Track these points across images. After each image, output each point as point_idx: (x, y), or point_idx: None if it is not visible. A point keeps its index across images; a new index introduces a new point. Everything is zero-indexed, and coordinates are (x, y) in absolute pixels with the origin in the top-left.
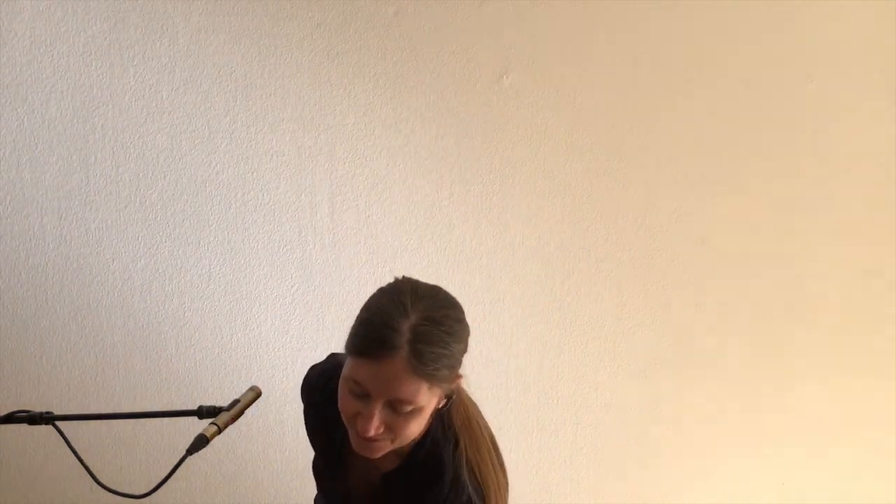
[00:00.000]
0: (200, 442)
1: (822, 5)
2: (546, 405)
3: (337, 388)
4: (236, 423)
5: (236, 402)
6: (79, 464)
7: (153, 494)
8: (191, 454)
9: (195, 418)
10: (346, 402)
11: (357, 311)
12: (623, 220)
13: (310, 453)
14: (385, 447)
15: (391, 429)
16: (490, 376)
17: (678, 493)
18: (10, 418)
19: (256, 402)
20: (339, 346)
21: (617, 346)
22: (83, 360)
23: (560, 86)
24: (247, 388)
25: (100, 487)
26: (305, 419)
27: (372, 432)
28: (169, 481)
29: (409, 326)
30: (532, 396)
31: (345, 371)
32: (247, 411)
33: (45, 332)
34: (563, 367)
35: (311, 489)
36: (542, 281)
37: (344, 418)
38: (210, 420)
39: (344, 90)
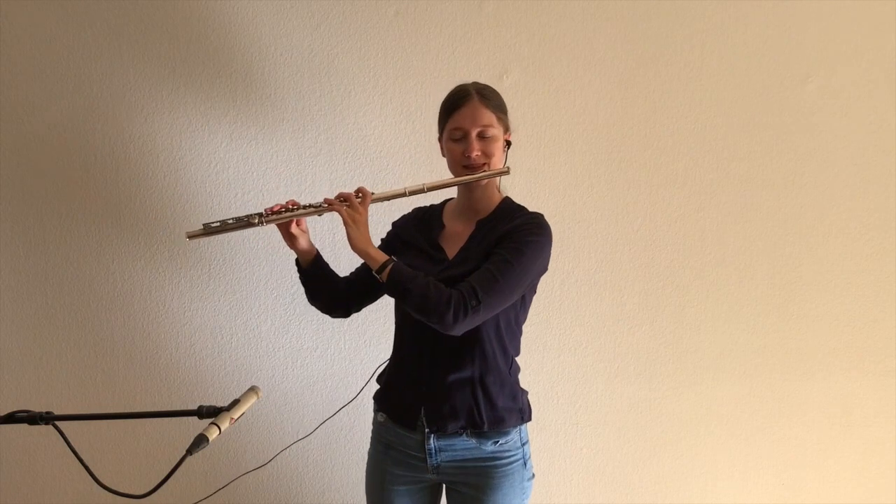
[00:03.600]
0: (200, 442)
1: (822, 5)
2: (546, 405)
3: (416, 215)
4: (236, 423)
5: (236, 402)
6: (79, 464)
7: (153, 494)
8: (191, 454)
9: (195, 418)
10: (454, 151)
11: (359, 312)
12: (623, 220)
13: (308, 450)
14: (483, 165)
15: (484, 152)
16: None
17: (678, 493)
18: (10, 418)
19: (256, 402)
20: (339, 347)
21: (617, 346)
22: (83, 360)
23: (560, 86)
24: (247, 388)
25: (100, 487)
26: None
27: (475, 153)
28: (169, 481)
29: (472, 86)
30: (532, 396)
31: (445, 136)
32: (247, 411)
33: (45, 332)
34: (563, 367)
35: (310, 490)
36: (543, 281)
37: (455, 163)
38: (210, 420)
39: (344, 90)
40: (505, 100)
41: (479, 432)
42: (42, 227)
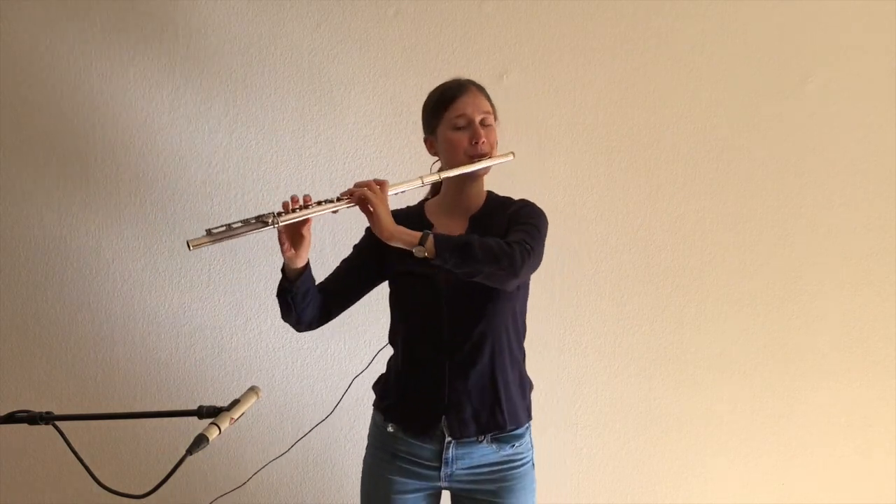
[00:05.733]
0: (200, 442)
1: (822, 5)
2: (546, 405)
3: (404, 211)
4: (236, 423)
5: (236, 402)
6: (79, 464)
7: (153, 494)
8: (191, 454)
9: (195, 418)
10: (458, 141)
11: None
12: (623, 220)
13: (307, 453)
14: (487, 153)
15: (488, 140)
16: None
17: (678, 493)
18: (10, 418)
19: (256, 402)
20: (339, 347)
21: (617, 346)
22: (83, 360)
23: (560, 86)
24: (247, 388)
25: (100, 487)
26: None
27: (482, 139)
28: (169, 481)
29: (465, 79)
30: (532, 396)
31: (444, 128)
32: (247, 412)
33: (45, 332)
34: (563, 367)
35: (310, 490)
36: (543, 281)
37: (460, 153)
38: (210, 420)
39: (344, 90)
40: (505, 99)
41: (498, 436)
42: (42, 227)
